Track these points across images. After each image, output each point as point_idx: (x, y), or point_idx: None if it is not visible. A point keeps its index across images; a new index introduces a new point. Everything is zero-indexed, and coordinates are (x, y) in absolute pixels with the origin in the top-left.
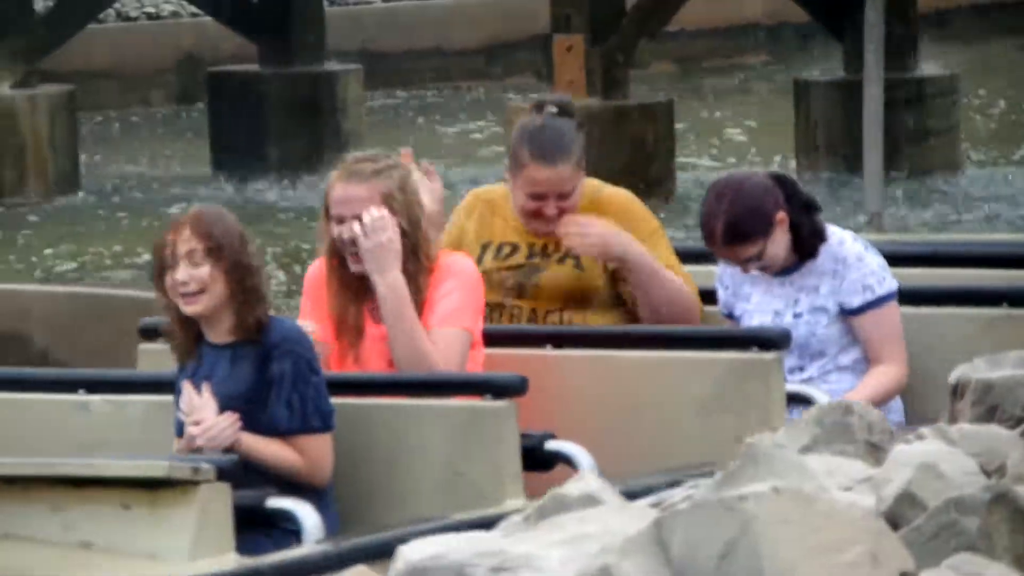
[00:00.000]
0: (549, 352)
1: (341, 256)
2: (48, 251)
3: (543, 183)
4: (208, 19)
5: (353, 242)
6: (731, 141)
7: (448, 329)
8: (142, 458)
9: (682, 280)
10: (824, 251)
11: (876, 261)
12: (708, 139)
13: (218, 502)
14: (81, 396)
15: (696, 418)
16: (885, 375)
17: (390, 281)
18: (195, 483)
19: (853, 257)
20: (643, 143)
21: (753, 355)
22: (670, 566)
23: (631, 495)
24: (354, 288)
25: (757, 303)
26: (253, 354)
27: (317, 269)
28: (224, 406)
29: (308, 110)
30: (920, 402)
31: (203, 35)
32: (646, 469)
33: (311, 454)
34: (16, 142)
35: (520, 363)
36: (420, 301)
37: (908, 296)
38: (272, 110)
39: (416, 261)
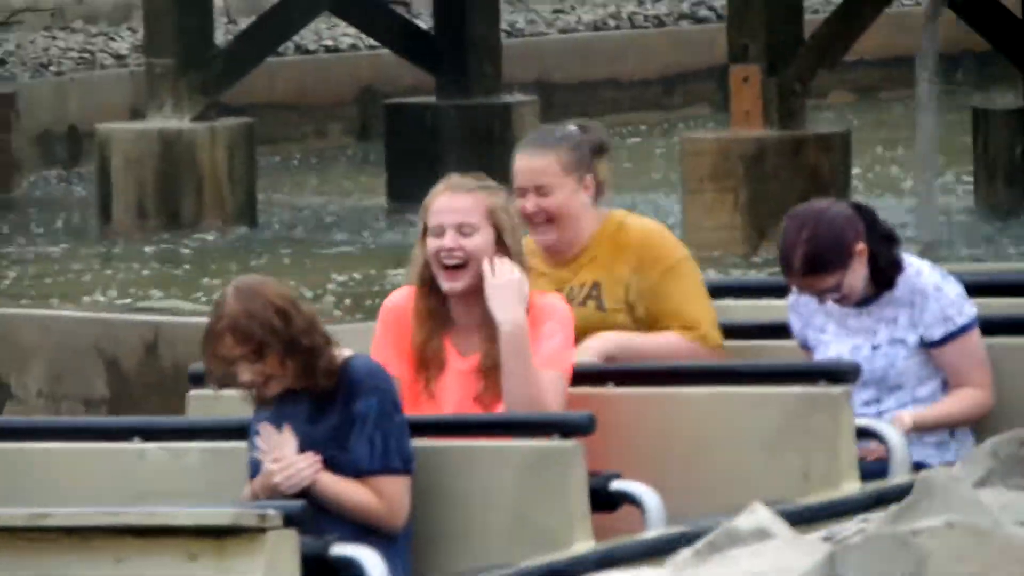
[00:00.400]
0: (611, 390)
1: (431, 284)
2: (217, 282)
3: (521, 173)
4: (386, 51)
5: (451, 252)
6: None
7: (551, 372)
8: (207, 506)
9: (677, 336)
10: (902, 282)
11: (955, 290)
12: (885, 168)
13: (286, 549)
14: (137, 444)
15: (762, 454)
16: (971, 396)
17: (516, 320)
18: (262, 530)
19: (931, 287)
20: (818, 174)
21: (821, 389)
22: None
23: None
24: (441, 318)
25: (833, 333)
26: (337, 395)
27: (399, 299)
28: (303, 448)
29: (484, 141)
30: (996, 431)
31: (381, 68)
32: (712, 508)
33: (389, 496)
34: (195, 174)
35: (581, 401)
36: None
37: (985, 326)
38: (448, 142)
39: None
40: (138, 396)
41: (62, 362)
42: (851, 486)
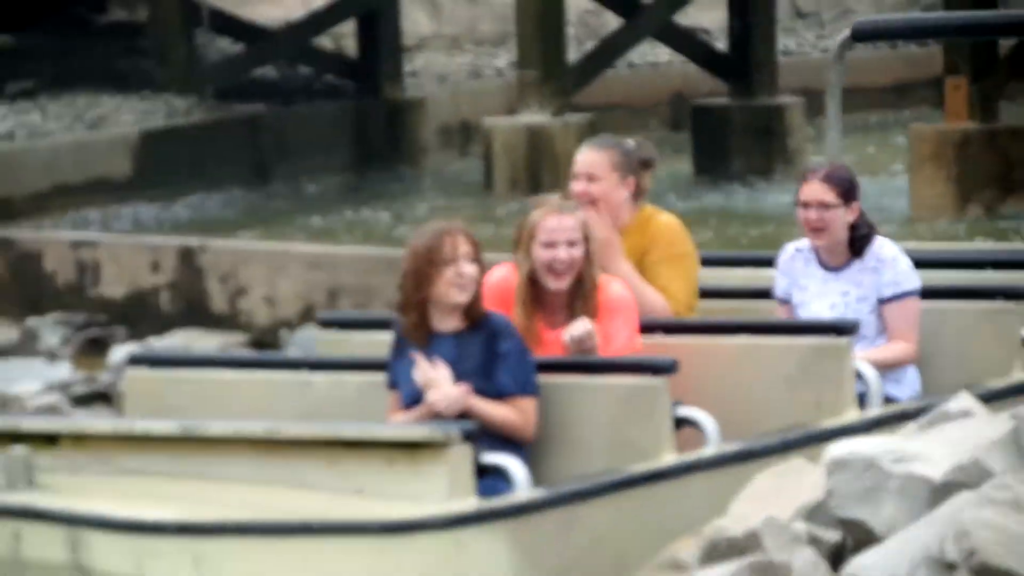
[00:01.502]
0: (664, 339)
1: (534, 279)
2: None
3: (579, 163)
4: (692, 65)
5: (563, 261)
6: None
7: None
8: (403, 425)
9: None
10: (869, 252)
11: (906, 262)
12: None
13: (463, 458)
14: (305, 375)
15: (784, 390)
16: (899, 347)
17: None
18: (446, 444)
19: (890, 258)
20: (1008, 156)
21: (830, 340)
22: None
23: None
24: (538, 302)
25: (815, 292)
26: (478, 337)
27: (501, 281)
28: (456, 379)
29: (763, 132)
30: (933, 376)
31: (688, 77)
32: (749, 431)
33: (528, 413)
34: (552, 156)
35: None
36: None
37: (926, 292)
38: (737, 132)
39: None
40: None
41: None
42: (853, 412)
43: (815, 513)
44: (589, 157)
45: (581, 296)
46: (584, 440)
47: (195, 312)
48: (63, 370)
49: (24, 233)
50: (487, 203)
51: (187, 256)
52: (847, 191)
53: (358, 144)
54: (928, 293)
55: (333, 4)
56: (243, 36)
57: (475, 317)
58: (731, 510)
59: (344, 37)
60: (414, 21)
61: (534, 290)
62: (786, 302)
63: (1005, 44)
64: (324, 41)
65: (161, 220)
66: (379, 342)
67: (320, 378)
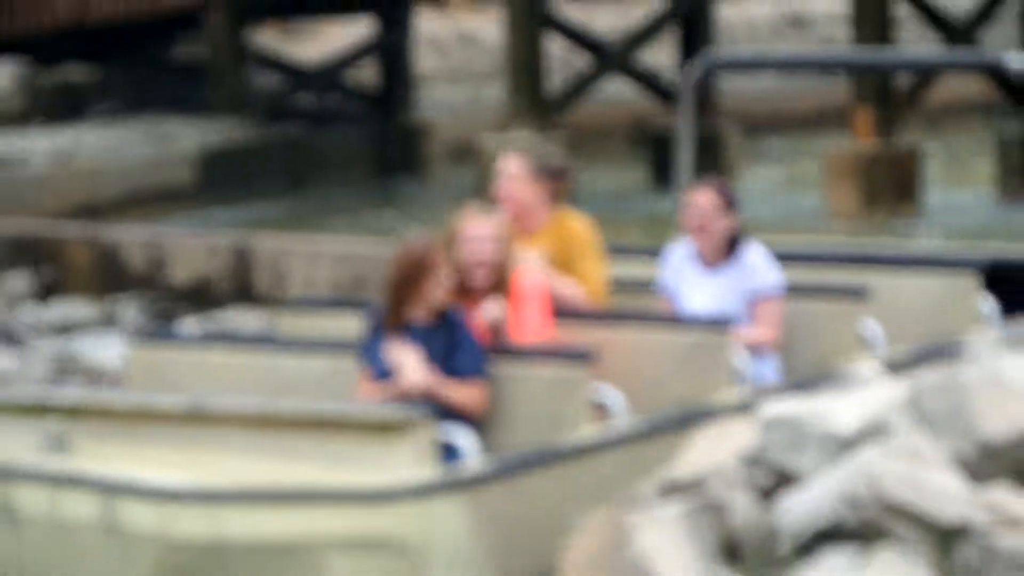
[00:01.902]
0: (572, 327)
1: (461, 272)
2: None
3: (499, 167)
4: (647, 95)
5: (482, 260)
6: None
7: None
8: (378, 406)
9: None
10: (744, 257)
11: (775, 270)
12: None
13: (428, 435)
14: (300, 354)
15: (674, 373)
16: (763, 333)
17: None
18: (414, 423)
19: (763, 265)
20: (906, 169)
21: (712, 333)
22: (923, 417)
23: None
24: (466, 293)
25: (695, 285)
26: (441, 329)
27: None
28: (425, 362)
29: (705, 150)
30: (790, 362)
31: (645, 105)
32: (647, 407)
33: (481, 394)
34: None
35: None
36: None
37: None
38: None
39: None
40: None
41: None
42: (731, 391)
43: (751, 461)
44: (510, 163)
45: (499, 287)
46: (518, 419)
47: (245, 295)
48: None
49: (106, 229)
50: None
51: (239, 249)
52: (728, 202)
53: (377, 160)
54: (788, 289)
55: (357, 46)
56: (284, 71)
57: (440, 311)
58: (681, 458)
59: (366, 72)
60: (423, 59)
61: (460, 282)
62: (667, 290)
63: (903, 80)
64: (350, 75)
65: (217, 220)
66: (339, 326)
67: (289, 360)
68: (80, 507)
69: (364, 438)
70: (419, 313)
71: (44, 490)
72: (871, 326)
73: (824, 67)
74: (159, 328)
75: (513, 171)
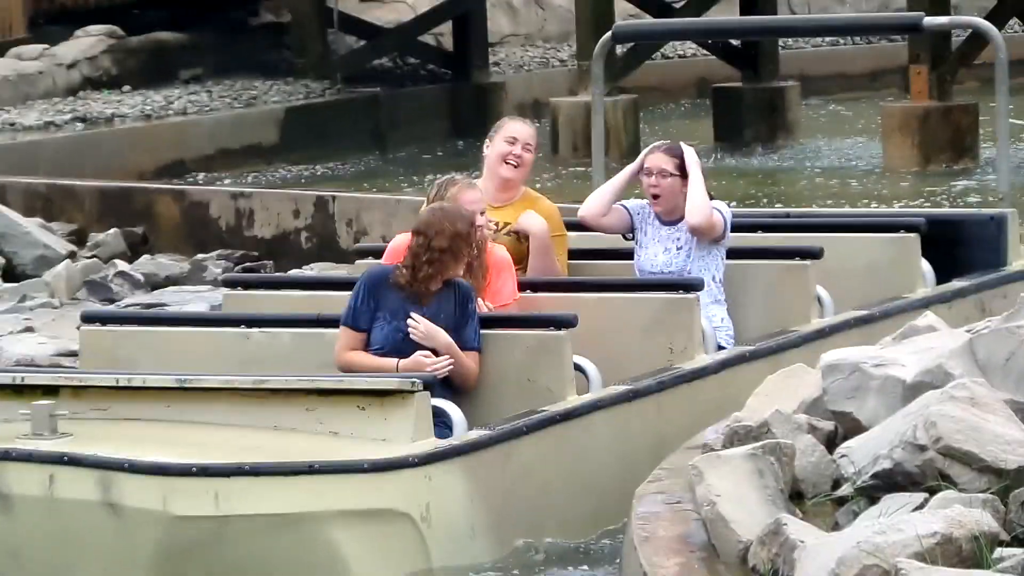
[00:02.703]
0: (540, 295)
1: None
2: None
3: (522, 132)
4: (713, 56)
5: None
6: None
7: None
8: (375, 376)
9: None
10: None
11: (725, 217)
12: None
13: (424, 404)
14: (243, 330)
15: (641, 338)
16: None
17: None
18: (412, 392)
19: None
20: (959, 127)
21: (680, 295)
22: (977, 365)
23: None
24: None
25: (651, 238)
26: (452, 299)
27: (402, 241)
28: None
29: (769, 109)
30: (745, 324)
31: (710, 66)
32: (619, 373)
33: (480, 365)
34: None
35: (528, 303)
36: (482, 287)
37: (740, 252)
38: (748, 110)
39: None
40: None
41: None
42: (703, 357)
43: (813, 407)
44: (530, 129)
45: (477, 258)
46: (500, 385)
47: (326, 248)
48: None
49: (194, 187)
50: (553, 165)
51: (321, 204)
52: (681, 164)
53: (453, 119)
54: (741, 253)
55: (434, 8)
56: (365, 34)
57: (449, 281)
58: (747, 404)
59: (443, 34)
60: (497, 22)
61: None
62: (627, 211)
63: (956, 39)
64: (427, 38)
65: (300, 177)
66: (280, 299)
67: (257, 333)
68: (78, 487)
69: (359, 408)
70: (436, 282)
71: (38, 471)
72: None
73: (721, 35)
74: (102, 307)
75: (533, 138)
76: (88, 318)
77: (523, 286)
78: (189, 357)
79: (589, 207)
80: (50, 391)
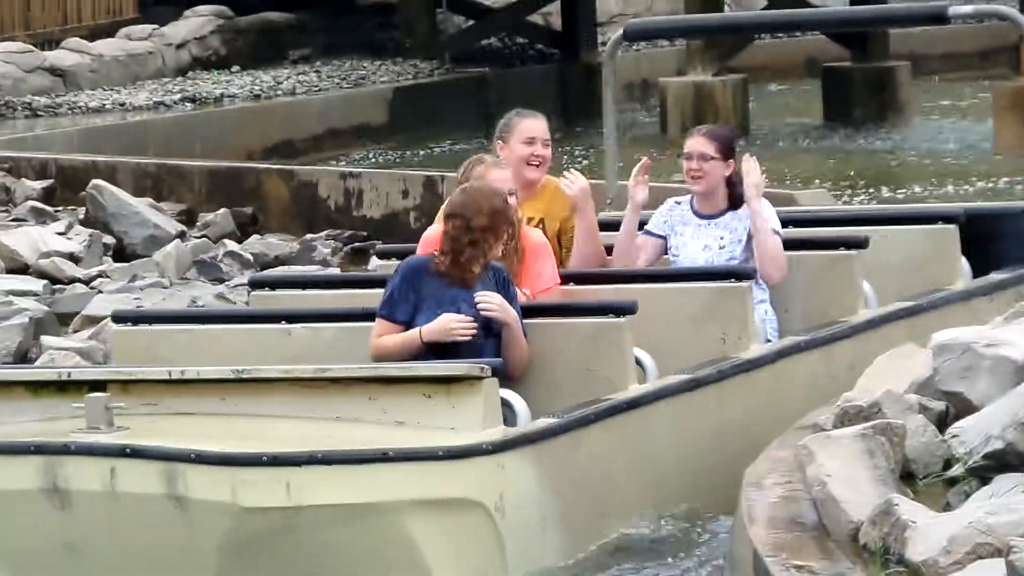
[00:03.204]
0: (593, 287)
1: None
2: None
3: (540, 130)
4: (821, 36)
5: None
6: None
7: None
8: (440, 362)
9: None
10: (744, 207)
11: (772, 213)
12: None
13: (493, 391)
14: (283, 326)
15: (694, 328)
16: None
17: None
18: (480, 379)
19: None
20: None
21: (732, 284)
22: None
23: None
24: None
25: (691, 236)
26: (493, 283)
27: (435, 233)
28: (478, 318)
29: (878, 89)
30: (790, 315)
31: (819, 45)
32: (672, 364)
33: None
34: (713, 108)
35: (576, 295)
36: (517, 271)
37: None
38: (857, 89)
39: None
40: None
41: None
42: (756, 347)
43: (924, 387)
44: (543, 124)
45: (512, 240)
46: (557, 375)
47: None
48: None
49: (303, 167)
50: (661, 144)
51: (430, 184)
52: (726, 148)
53: (561, 99)
54: (785, 244)
55: None
56: (473, 13)
57: (486, 265)
58: (857, 384)
59: (551, 14)
60: (605, 2)
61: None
62: (656, 236)
63: None
64: (535, 17)
65: (409, 157)
66: (304, 298)
67: (299, 328)
68: (141, 480)
69: (426, 396)
70: (479, 263)
71: (98, 465)
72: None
73: (736, 30)
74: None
75: (548, 133)
76: (119, 318)
77: (564, 279)
78: (227, 356)
79: (621, 261)
80: (97, 386)
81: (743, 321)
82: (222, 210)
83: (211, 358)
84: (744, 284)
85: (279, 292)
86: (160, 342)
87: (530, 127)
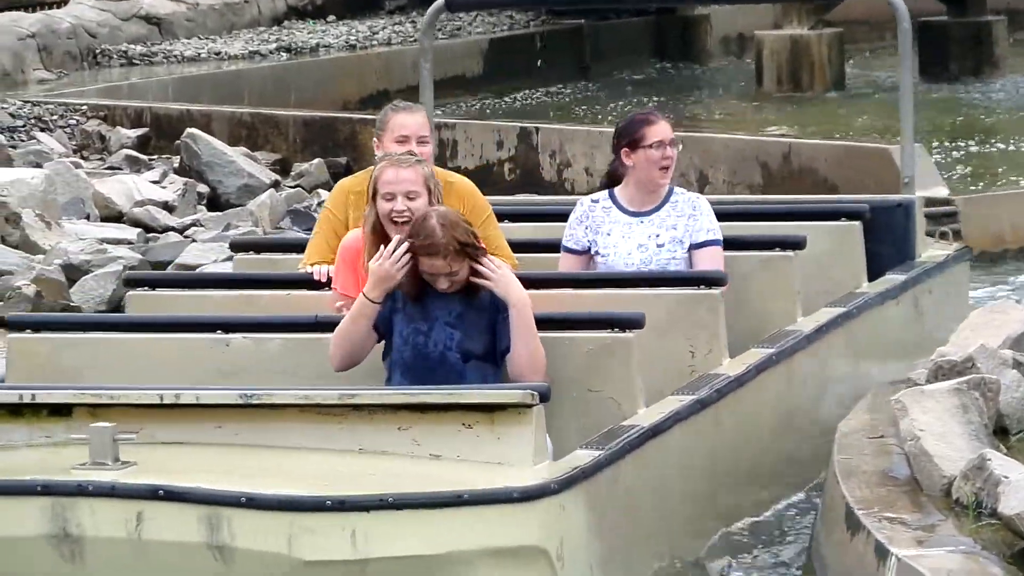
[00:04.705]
0: (538, 293)
1: (382, 231)
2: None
3: (408, 124)
4: None
5: (400, 214)
6: None
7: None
8: (479, 387)
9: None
10: (684, 200)
11: (715, 217)
12: None
13: (541, 419)
14: (220, 336)
15: (660, 340)
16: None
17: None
18: (529, 406)
19: (705, 208)
20: None
21: (703, 291)
22: None
23: None
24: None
25: (620, 235)
26: (478, 303)
27: (353, 240)
28: (459, 333)
29: (975, 43)
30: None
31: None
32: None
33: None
34: (808, 62)
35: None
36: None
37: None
38: (954, 44)
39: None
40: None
41: (736, 163)
42: (726, 361)
43: (1018, 343)
44: (419, 119)
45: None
46: (554, 397)
47: (529, 180)
48: None
49: None
50: (757, 97)
51: (524, 136)
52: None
53: (657, 50)
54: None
55: None
56: None
57: (464, 284)
58: (951, 339)
59: None
60: None
61: (382, 240)
62: (580, 252)
63: None
64: None
65: (504, 108)
66: (188, 299)
67: (238, 339)
68: (176, 526)
69: (465, 425)
70: (442, 283)
71: (121, 508)
72: None
73: (565, 4)
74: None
75: (425, 128)
76: (15, 324)
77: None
78: (151, 371)
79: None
80: (58, 411)
81: (715, 331)
82: (316, 160)
83: (130, 375)
84: (715, 291)
85: (159, 292)
86: (65, 352)
87: (402, 123)
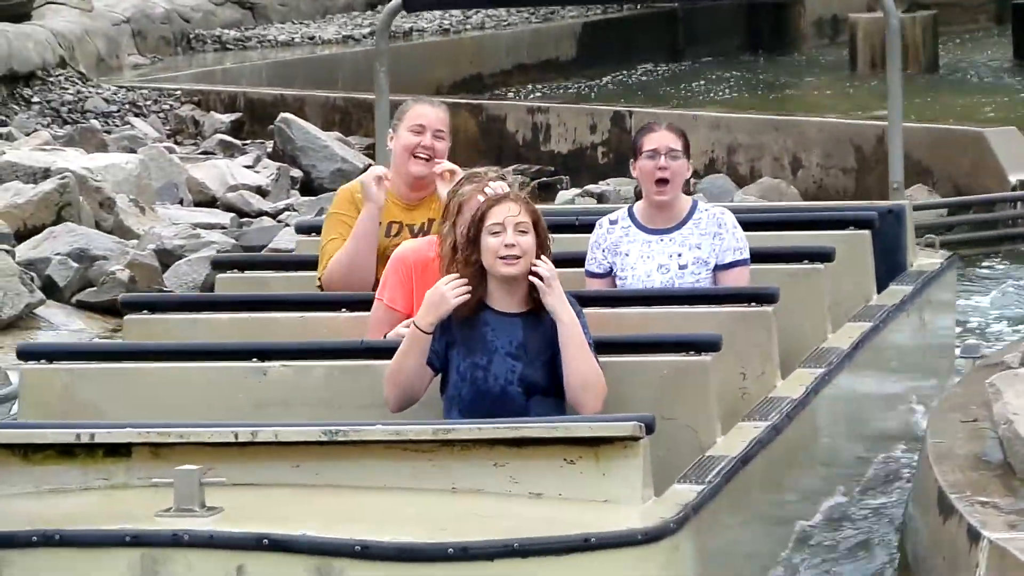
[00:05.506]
0: (607, 310)
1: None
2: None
3: (430, 116)
4: None
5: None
6: None
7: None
8: (579, 419)
9: None
10: (708, 217)
11: (742, 233)
12: None
13: (648, 453)
14: (256, 364)
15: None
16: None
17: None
18: (636, 439)
19: (731, 225)
20: None
21: (754, 309)
22: None
23: None
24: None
25: (639, 256)
26: (541, 320)
27: (413, 251)
28: (520, 351)
29: None
30: None
31: None
32: None
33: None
34: (903, 44)
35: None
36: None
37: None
38: None
39: None
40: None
41: (829, 146)
42: (779, 382)
43: None
44: (438, 113)
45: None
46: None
47: (623, 164)
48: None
49: (491, 101)
50: (851, 80)
51: (617, 119)
52: (686, 144)
53: (750, 34)
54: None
55: None
56: None
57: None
58: None
59: None
60: None
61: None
62: (603, 275)
63: None
64: None
65: (597, 91)
66: (184, 323)
67: (277, 367)
68: None
69: (568, 461)
70: (506, 268)
71: (222, 560)
72: None
73: (523, 3)
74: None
75: (446, 123)
76: (26, 353)
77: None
78: (176, 403)
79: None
80: (115, 451)
81: (768, 352)
82: None
83: (155, 409)
84: (767, 308)
85: (157, 316)
86: (81, 384)
87: (421, 112)
